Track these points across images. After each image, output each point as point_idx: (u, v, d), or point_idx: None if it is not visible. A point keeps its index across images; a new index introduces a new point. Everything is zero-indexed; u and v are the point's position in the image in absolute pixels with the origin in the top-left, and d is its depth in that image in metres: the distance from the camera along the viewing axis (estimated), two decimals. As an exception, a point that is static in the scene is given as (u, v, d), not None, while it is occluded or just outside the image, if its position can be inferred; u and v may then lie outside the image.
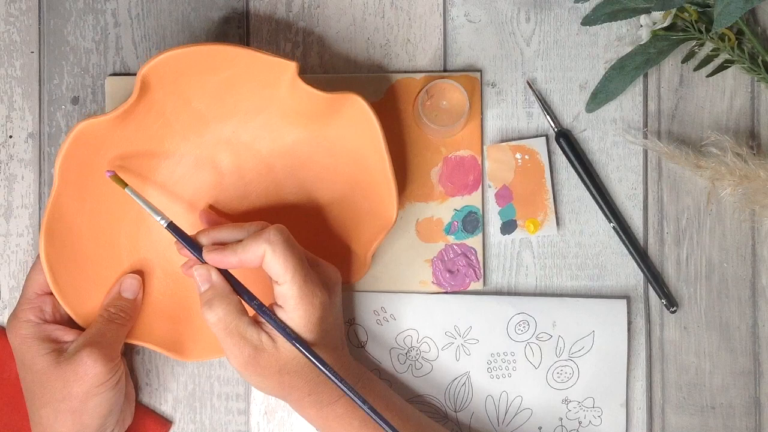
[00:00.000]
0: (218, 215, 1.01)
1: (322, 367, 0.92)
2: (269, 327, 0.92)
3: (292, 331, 0.91)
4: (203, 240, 0.94)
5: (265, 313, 0.92)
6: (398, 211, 0.98)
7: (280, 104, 0.98)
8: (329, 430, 0.96)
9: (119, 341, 0.96)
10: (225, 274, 0.93)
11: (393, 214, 0.98)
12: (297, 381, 0.94)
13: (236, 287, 0.93)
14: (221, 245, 0.93)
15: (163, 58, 0.92)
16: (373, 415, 0.92)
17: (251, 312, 0.94)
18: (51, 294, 0.96)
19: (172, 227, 0.94)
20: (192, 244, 0.94)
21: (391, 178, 0.97)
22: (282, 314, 0.92)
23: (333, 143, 1.00)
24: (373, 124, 0.97)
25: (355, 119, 0.97)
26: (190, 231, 0.95)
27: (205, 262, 0.93)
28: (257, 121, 1.00)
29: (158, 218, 0.94)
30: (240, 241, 0.92)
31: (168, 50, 0.92)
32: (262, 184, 1.02)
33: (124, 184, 0.95)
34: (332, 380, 0.92)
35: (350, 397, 0.92)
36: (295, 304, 0.91)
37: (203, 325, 1.00)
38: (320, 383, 0.94)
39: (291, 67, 0.95)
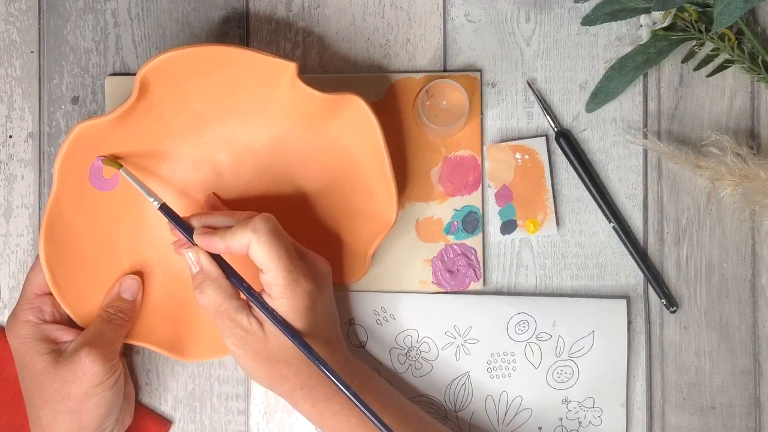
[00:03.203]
0: (222, 203, 1.01)
1: (307, 353, 0.92)
2: (258, 312, 0.92)
3: (280, 316, 0.92)
4: (195, 223, 0.95)
5: (253, 296, 0.93)
6: (398, 211, 0.98)
7: (279, 105, 0.98)
8: (326, 426, 0.96)
9: (118, 341, 0.96)
10: (216, 257, 0.94)
11: (393, 214, 0.98)
12: (287, 371, 0.94)
13: (226, 271, 0.94)
14: (212, 230, 0.94)
15: (163, 58, 0.92)
16: (356, 402, 0.92)
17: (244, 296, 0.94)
18: (50, 294, 0.96)
19: (165, 209, 0.95)
20: (184, 226, 0.95)
21: (391, 179, 0.97)
22: (268, 301, 0.92)
23: (333, 144, 1.00)
24: (372, 125, 0.97)
25: (354, 120, 0.97)
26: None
27: (196, 245, 0.94)
28: (257, 122, 1.00)
29: (151, 199, 0.95)
30: (229, 227, 0.93)
31: (167, 51, 0.92)
32: (262, 184, 1.02)
33: (119, 166, 0.95)
34: (318, 367, 0.92)
35: (333, 381, 0.92)
36: (279, 292, 0.91)
37: (203, 325, 1.00)
38: (312, 377, 0.94)
39: (290, 67, 0.95)
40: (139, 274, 1.00)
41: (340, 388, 0.92)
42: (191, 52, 0.93)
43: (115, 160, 0.96)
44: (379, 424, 0.91)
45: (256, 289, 0.94)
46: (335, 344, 0.96)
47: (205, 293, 0.93)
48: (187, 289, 1.00)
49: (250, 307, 0.93)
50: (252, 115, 0.99)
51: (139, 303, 0.99)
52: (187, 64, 0.93)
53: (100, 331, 0.95)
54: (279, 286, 0.91)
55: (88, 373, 0.92)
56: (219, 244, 0.92)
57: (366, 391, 0.95)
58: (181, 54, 0.93)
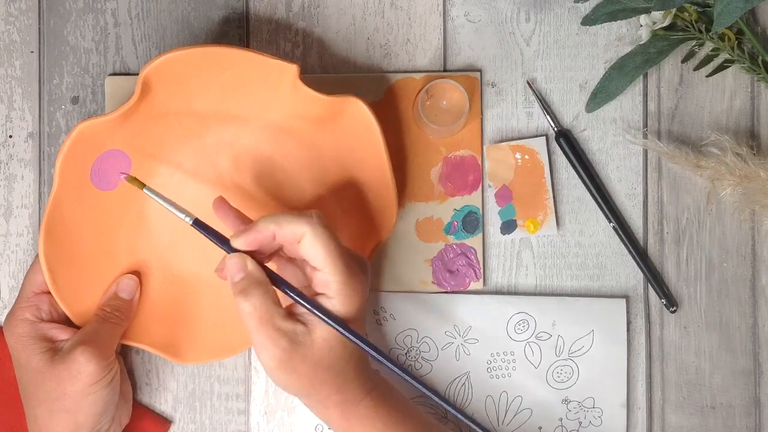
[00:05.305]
0: (230, 206, 0.99)
1: (374, 353, 0.89)
2: (304, 318, 0.89)
3: (336, 317, 0.89)
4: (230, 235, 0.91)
5: (307, 301, 0.89)
6: (397, 216, 0.98)
7: (281, 107, 0.98)
8: None
9: (114, 340, 0.96)
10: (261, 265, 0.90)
11: (392, 219, 0.98)
12: (329, 376, 0.91)
13: (273, 277, 0.90)
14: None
15: (165, 59, 0.92)
16: (416, 383, 0.90)
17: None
18: (48, 293, 0.96)
19: (198, 224, 0.91)
20: (220, 237, 0.91)
21: (391, 184, 0.98)
22: (322, 301, 0.89)
23: (334, 147, 1.00)
24: (373, 128, 0.97)
25: (355, 122, 0.97)
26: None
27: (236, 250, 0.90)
28: (258, 124, 1.00)
29: (182, 216, 0.91)
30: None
31: (170, 51, 0.92)
32: (261, 187, 1.02)
33: (142, 185, 0.93)
34: (385, 362, 0.90)
35: (396, 371, 0.90)
36: (337, 289, 0.88)
37: (199, 328, 1.00)
38: (348, 380, 0.92)
39: (292, 69, 0.94)
40: (138, 274, 1.00)
41: (397, 371, 0.90)
42: (193, 53, 0.93)
43: (137, 180, 0.94)
44: (425, 390, 0.90)
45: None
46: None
47: (250, 298, 0.87)
48: (185, 292, 1.00)
49: (293, 314, 0.90)
50: (253, 118, 0.99)
51: (136, 303, 0.99)
52: (190, 64, 0.93)
53: (96, 330, 0.95)
54: (337, 282, 0.88)
55: (83, 372, 0.92)
56: (266, 229, 0.88)
57: (387, 399, 0.94)
58: (184, 55, 0.93)
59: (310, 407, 0.94)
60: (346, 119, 0.98)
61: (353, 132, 0.98)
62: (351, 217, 1.01)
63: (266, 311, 0.88)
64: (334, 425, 0.94)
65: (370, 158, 0.99)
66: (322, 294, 0.89)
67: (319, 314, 0.89)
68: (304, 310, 0.90)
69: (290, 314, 0.90)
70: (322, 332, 0.89)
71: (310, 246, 0.88)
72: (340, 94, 0.96)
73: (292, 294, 0.90)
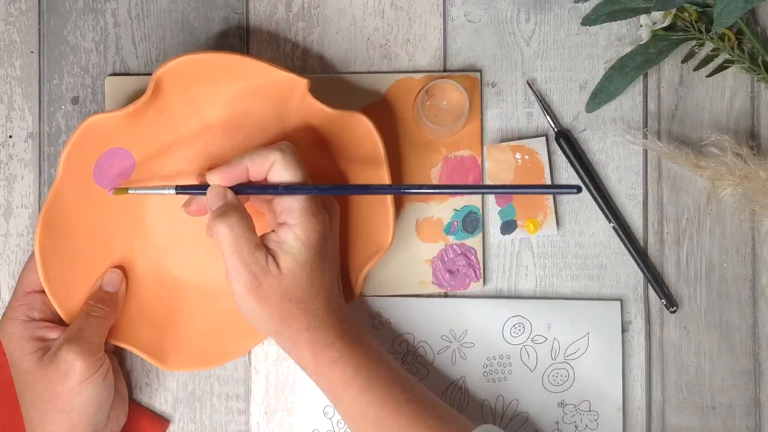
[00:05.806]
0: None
1: (319, 190, 0.92)
2: (272, 250, 0.91)
3: (300, 184, 0.92)
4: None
5: (284, 188, 0.92)
6: (394, 236, 0.98)
7: (288, 119, 0.98)
8: (322, 376, 0.95)
9: (101, 336, 0.95)
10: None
11: (388, 237, 0.98)
12: (297, 311, 0.92)
13: (250, 189, 0.93)
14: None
15: (180, 61, 0.93)
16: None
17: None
18: (41, 292, 0.96)
19: (181, 188, 0.94)
20: (204, 187, 0.94)
21: (390, 202, 0.98)
22: (284, 230, 0.92)
23: (336, 160, 1.00)
24: (378, 148, 0.97)
25: (360, 139, 0.98)
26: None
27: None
28: (266, 136, 1.00)
29: (166, 191, 0.94)
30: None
31: (185, 54, 0.93)
32: (262, 197, 1.02)
33: (125, 191, 0.95)
34: (344, 190, 0.95)
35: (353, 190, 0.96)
36: (299, 216, 0.91)
37: (187, 336, 1.00)
38: (318, 318, 0.93)
39: (302, 83, 0.95)
40: (131, 277, 1.00)
41: (356, 191, 0.97)
42: (208, 57, 0.94)
43: (121, 188, 0.96)
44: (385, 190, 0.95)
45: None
46: (337, 291, 0.96)
47: (230, 219, 0.90)
48: (176, 298, 1.00)
49: (266, 247, 0.92)
50: (260, 129, 0.99)
51: (122, 296, 0.98)
52: (202, 69, 0.94)
53: (80, 326, 0.94)
54: (299, 209, 0.91)
55: (71, 371, 0.91)
56: (240, 164, 0.92)
57: (359, 347, 0.95)
58: (199, 58, 0.93)
59: (285, 348, 0.96)
60: (351, 135, 0.98)
61: (356, 148, 0.99)
62: (347, 237, 1.01)
63: (242, 234, 0.91)
64: (307, 368, 0.95)
65: (371, 175, 0.99)
66: (283, 223, 0.92)
67: (292, 188, 0.92)
68: (272, 240, 0.92)
69: (263, 246, 0.92)
70: (286, 262, 0.91)
71: (280, 170, 0.92)
72: (346, 109, 0.97)
73: (275, 190, 0.92)
